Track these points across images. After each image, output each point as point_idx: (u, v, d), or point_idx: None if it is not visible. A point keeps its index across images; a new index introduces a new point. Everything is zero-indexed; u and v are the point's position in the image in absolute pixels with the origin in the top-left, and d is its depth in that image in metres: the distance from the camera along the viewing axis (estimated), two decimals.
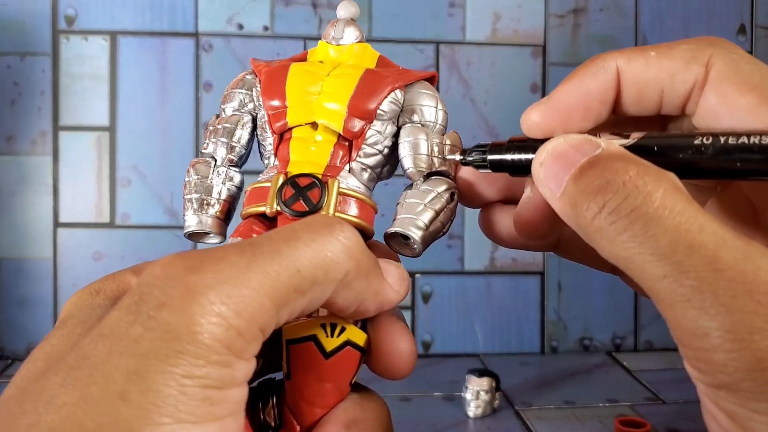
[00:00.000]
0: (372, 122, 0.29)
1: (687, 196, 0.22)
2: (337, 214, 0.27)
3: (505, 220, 0.31)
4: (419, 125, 0.30)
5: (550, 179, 0.25)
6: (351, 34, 0.32)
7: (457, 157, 0.30)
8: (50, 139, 0.89)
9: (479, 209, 0.32)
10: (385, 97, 0.29)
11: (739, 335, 0.20)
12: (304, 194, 0.28)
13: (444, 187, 0.29)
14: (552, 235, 0.29)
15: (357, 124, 0.29)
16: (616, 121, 0.28)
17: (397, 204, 0.30)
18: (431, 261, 0.93)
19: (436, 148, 0.30)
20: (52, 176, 0.89)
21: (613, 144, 0.24)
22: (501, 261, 0.94)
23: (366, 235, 0.29)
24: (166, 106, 0.90)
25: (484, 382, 0.74)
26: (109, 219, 0.89)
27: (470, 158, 0.29)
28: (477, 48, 0.92)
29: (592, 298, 0.96)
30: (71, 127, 0.89)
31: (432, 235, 0.29)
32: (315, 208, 0.27)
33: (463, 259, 0.94)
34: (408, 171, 0.30)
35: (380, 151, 0.30)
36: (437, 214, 0.29)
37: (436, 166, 0.30)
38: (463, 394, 0.75)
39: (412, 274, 0.93)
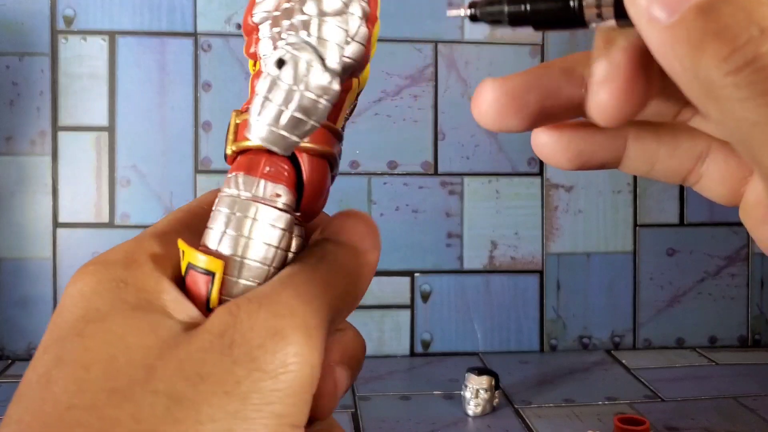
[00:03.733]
0: (258, 31, 0.25)
1: None
2: (233, 145, 0.25)
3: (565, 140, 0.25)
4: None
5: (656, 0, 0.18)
6: None
7: (462, 12, 0.22)
8: (49, 139, 0.88)
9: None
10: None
11: None
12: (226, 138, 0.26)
13: (272, 58, 0.22)
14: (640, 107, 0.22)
15: (249, 43, 0.26)
16: None
17: None
18: (430, 260, 0.93)
19: (284, 18, 0.23)
20: (51, 176, 0.88)
21: None
22: (500, 260, 0.94)
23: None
24: (165, 105, 0.89)
25: (484, 381, 0.74)
26: (109, 219, 0.89)
27: (489, 8, 0.21)
28: (475, 47, 0.92)
29: (590, 296, 0.96)
30: (70, 127, 0.89)
31: (271, 123, 0.22)
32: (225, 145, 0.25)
33: (462, 257, 0.93)
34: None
35: None
36: (266, 97, 0.22)
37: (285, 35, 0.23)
38: (462, 392, 0.75)
39: (410, 273, 0.93)
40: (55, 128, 0.88)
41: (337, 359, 0.24)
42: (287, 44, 0.22)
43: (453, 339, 0.94)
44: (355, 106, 0.27)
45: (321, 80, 0.22)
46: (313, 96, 0.22)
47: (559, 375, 0.87)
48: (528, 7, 0.21)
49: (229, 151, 0.25)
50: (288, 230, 0.24)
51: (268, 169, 0.24)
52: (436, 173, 0.92)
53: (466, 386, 0.75)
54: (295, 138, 0.22)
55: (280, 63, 0.22)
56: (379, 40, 0.28)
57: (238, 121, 0.25)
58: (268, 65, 0.22)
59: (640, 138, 0.25)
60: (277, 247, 0.23)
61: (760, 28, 0.17)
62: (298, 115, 0.22)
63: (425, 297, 0.93)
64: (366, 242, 0.25)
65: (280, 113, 0.22)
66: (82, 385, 0.20)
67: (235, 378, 0.19)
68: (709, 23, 0.17)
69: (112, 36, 0.89)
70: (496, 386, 0.75)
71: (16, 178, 0.88)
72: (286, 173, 0.24)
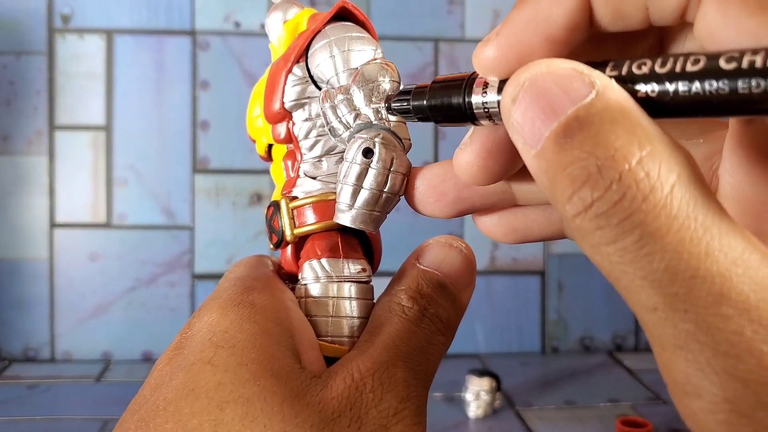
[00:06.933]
0: (291, 117, 0.27)
1: (702, 192, 0.16)
2: (296, 231, 0.26)
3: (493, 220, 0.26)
4: (326, 90, 0.26)
5: (525, 124, 0.18)
6: (275, 24, 0.28)
7: (381, 105, 0.25)
8: (46, 139, 0.88)
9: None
10: (283, 87, 0.27)
11: (740, 408, 0.15)
12: (271, 225, 0.27)
13: (355, 147, 0.25)
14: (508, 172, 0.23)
15: (281, 130, 0.27)
16: (596, 38, 0.21)
17: None
18: None
19: (342, 107, 0.25)
20: (48, 176, 0.88)
21: (612, 85, 0.17)
22: (501, 260, 0.94)
23: (332, 226, 0.27)
24: (162, 104, 0.89)
25: (485, 383, 0.74)
26: (106, 219, 0.89)
27: (398, 102, 0.24)
28: (477, 45, 0.92)
29: (592, 297, 0.95)
30: (67, 127, 0.88)
31: (366, 207, 0.25)
32: (280, 236, 0.27)
33: None
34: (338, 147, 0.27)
35: (322, 134, 0.27)
36: (358, 184, 0.25)
37: (351, 122, 0.26)
38: (463, 394, 0.75)
39: None
40: (52, 128, 0.88)
41: None
42: (362, 132, 0.25)
43: (454, 340, 0.92)
44: None
45: (405, 159, 0.25)
46: (401, 175, 0.25)
47: (561, 377, 0.86)
48: (426, 103, 0.22)
49: (290, 237, 0.26)
50: (373, 298, 0.26)
51: (347, 249, 0.26)
52: None
53: (467, 388, 0.75)
54: (385, 215, 0.25)
55: (368, 152, 0.25)
56: (379, 38, 0.27)
57: (292, 206, 0.27)
58: (350, 161, 0.24)
59: None
60: (365, 318, 0.26)
61: (596, 166, 0.16)
62: (390, 194, 0.25)
63: None
64: (463, 279, 0.26)
65: (376, 197, 0.24)
66: (218, 428, 0.20)
67: None
68: (562, 156, 0.17)
69: (109, 34, 0.88)
70: (498, 388, 0.75)
71: (13, 177, 0.88)
72: (360, 247, 0.27)
